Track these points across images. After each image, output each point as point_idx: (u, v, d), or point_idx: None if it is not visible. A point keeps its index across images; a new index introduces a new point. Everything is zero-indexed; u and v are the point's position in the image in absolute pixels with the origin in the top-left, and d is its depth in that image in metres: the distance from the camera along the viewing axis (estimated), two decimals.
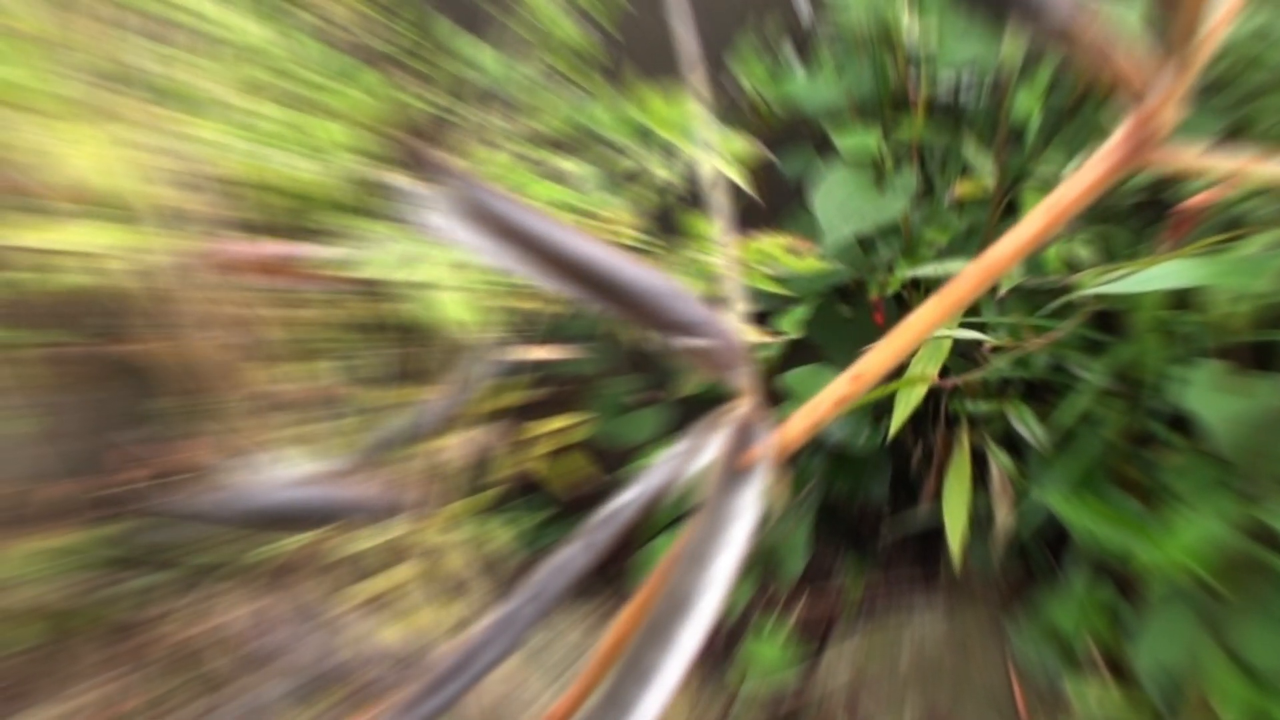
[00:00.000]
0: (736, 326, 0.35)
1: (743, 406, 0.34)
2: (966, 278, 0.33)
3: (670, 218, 1.04)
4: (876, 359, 0.34)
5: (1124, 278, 0.76)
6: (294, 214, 0.86)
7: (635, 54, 1.16)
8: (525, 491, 1.26)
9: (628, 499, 0.33)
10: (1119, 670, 1.08)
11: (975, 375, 1.15)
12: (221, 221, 0.81)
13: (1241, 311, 0.91)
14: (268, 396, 0.86)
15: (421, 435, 0.84)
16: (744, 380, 0.34)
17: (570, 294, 0.34)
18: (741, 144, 1.00)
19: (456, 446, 0.90)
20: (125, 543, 0.87)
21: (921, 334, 0.34)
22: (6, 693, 0.90)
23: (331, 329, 0.90)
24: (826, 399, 0.35)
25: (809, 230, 1.23)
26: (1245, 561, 0.93)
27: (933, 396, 1.24)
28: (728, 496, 0.31)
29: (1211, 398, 0.89)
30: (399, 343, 0.92)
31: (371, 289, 0.85)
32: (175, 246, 0.77)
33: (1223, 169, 0.31)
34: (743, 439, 0.33)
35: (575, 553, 0.32)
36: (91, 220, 0.75)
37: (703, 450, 0.34)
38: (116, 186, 0.73)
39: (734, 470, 0.32)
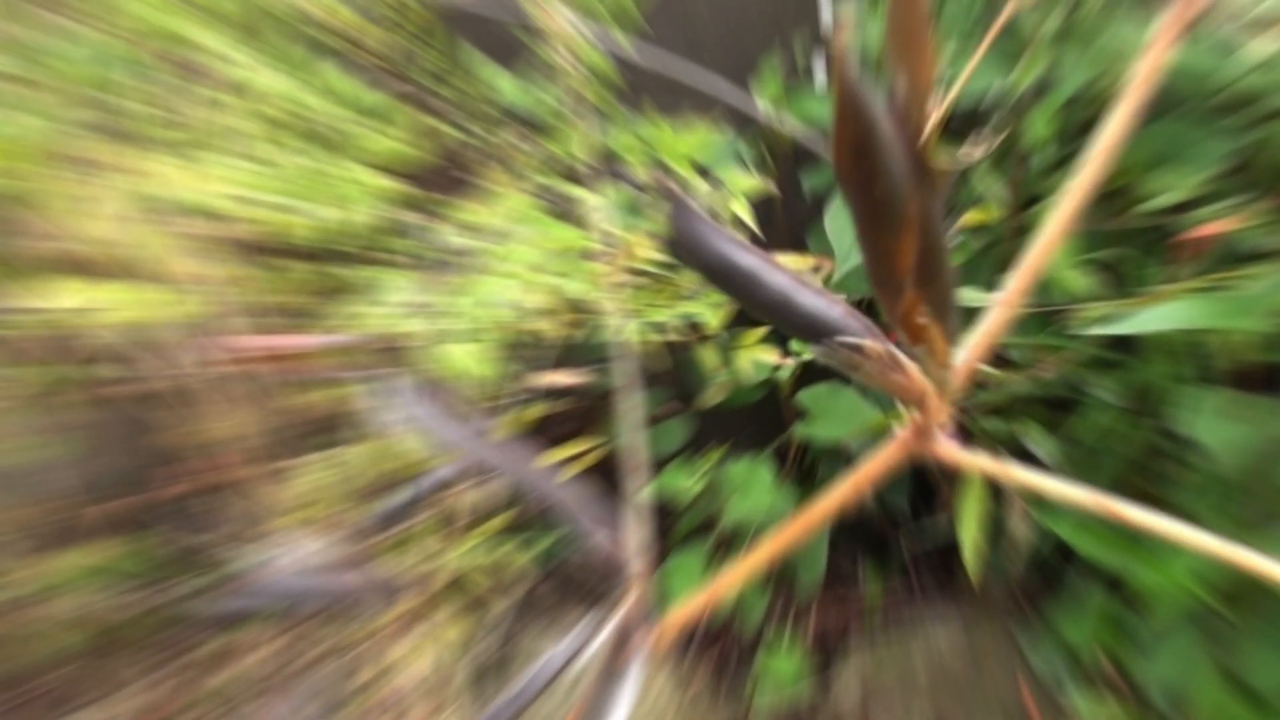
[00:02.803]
0: (631, 534, 0.41)
1: (627, 605, 0.39)
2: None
3: None
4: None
5: (1123, 319, 0.77)
6: (313, 266, 0.89)
7: (656, 82, 1.18)
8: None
9: (531, 676, 0.38)
10: (1130, 686, 1.09)
11: (987, 396, 1.16)
12: (237, 286, 0.85)
13: (1244, 338, 0.92)
14: (278, 468, 0.90)
15: (430, 496, 0.88)
16: (631, 582, 0.40)
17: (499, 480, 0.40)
18: (751, 181, 1.02)
19: (471, 487, 0.94)
20: (164, 560, 0.91)
21: None
22: (55, 694, 0.95)
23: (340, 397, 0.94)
24: (709, 593, 0.40)
25: (830, 249, 1.25)
26: (1253, 584, 0.94)
27: None
28: (606, 689, 0.37)
29: (1216, 424, 0.90)
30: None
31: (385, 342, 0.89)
32: (189, 315, 0.81)
33: (985, 468, 0.37)
34: (623, 637, 0.38)
35: (500, 709, 0.37)
36: (112, 280, 0.78)
37: (592, 643, 0.39)
38: (137, 246, 0.77)
39: (613, 666, 0.38)
